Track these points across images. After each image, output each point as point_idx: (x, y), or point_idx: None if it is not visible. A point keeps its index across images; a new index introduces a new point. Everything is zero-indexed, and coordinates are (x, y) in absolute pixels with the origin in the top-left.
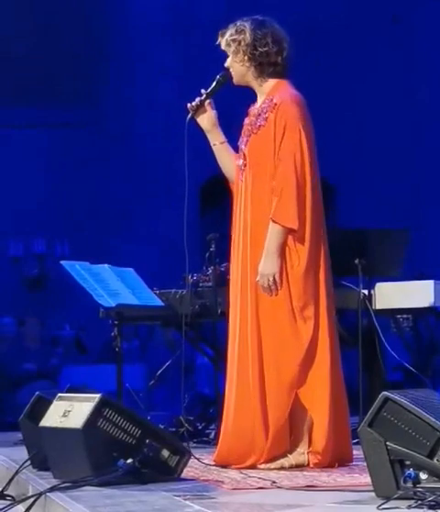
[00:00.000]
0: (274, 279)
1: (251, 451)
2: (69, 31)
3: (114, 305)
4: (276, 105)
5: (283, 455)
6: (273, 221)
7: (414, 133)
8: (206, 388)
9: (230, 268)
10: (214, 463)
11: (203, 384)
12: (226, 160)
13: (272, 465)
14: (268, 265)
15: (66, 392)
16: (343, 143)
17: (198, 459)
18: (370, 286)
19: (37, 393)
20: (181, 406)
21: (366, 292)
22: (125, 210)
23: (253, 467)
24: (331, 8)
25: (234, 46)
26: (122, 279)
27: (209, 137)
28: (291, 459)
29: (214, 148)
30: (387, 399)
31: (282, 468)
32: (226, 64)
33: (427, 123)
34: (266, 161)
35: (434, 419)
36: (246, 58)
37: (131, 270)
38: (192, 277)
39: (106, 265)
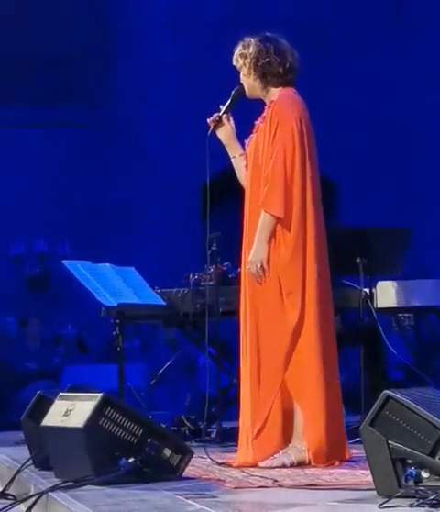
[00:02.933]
0: (261, 266)
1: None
2: (71, 30)
3: (115, 304)
4: (272, 102)
5: (276, 451)
6: (262, 209)
7: (417, 132)
8: (208, 387)
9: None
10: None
11: (206, 382)
12: (244, 171)
13: (274, 463)
14: (255, 252)
15: (67, 391)
16: (345, 142)
17: (212, 459)
18: (372, 285)
19: (38, 392)
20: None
21: (367, 290)
22: (126, 209)
23: (254, 465)
24: (332, 7)
25: (242, 60)
26: (123, 278)
27: (228, 150)
28: (292, 456)
29: (233, 160)
30: (389, 398)
31: (284, 466)
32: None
33: (430, 122)
34: (262, 157)
35: (435, 418)
36: (251, 70)
37: (132, 269)
38: (194, 276)
39: (108, 264)
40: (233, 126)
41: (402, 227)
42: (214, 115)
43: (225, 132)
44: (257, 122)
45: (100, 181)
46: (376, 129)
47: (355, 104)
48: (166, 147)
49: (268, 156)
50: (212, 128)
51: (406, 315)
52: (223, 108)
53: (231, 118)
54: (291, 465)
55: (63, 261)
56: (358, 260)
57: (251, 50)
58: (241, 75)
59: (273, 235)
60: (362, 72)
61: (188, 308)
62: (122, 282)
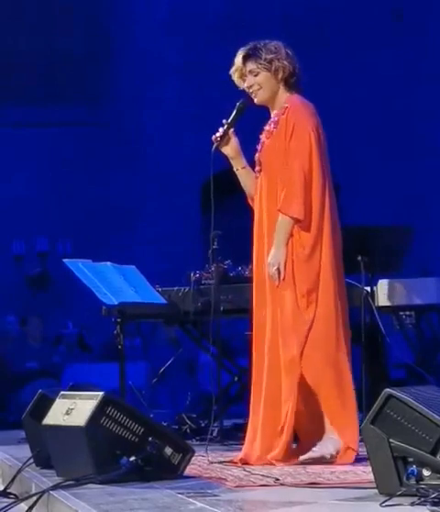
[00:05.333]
0: (278, 268)
1: (273, 443)
2: (72, 29)
3: (116, 302)
4: (286, 108)
5: (313, 444)
6: (279, 211)
7: (418, 131)
8: (209, 385)
9: (254, 274)
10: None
11: (206, 381)
12: (250, 182)
13: (314, 455)
14: (274, 254)
15: (69, 390)
16: (346, 141)
17: (228, 463)
18: (373, 283)
19: (39, 391)
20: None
21: (368, 289)
22: (127, 208)
23: (285, 461)
24: (332, 5)
25: (274, 64)
26: (124, 277)
27: (233, 163)
28: (330, 447)
29: (237, 172)
30: (390, 396)
31: (324, 458)
32: (248, 84)
33: (431, 120)
34: (278, 161)
35: (437, 416)
36: (281, 74)
37: (133, 267)
38: (195, 275)
39: (109, 263)
40: (237, 139)
41: (404, 224)
42: (220, 130)
43: (232, 147)
44: (267, 128)
45: (101, 180)
46: (377, 128)
47: (355, 103)
48: (166, 146)
49: (285, 159)
50: (216, 144)
51: (407, 313)
52: (227, 123)
53: (234, 132)
54: (332, 457)
55: (64, 260)
56: (359, 258)
57: (282, 54)
58: (261, 79)
59: (290, 236)
60: (362, 71)
61: (189, 307)
62: (123, 280)
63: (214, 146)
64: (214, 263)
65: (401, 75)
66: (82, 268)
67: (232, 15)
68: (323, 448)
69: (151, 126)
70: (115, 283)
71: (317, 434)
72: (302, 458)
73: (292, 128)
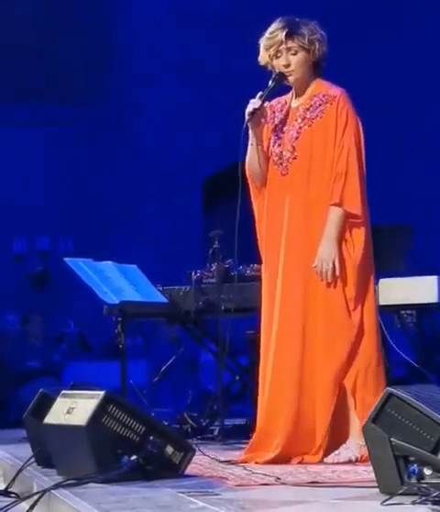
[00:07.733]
0: (333, 264)
1: (306, 445)
2: (73, 29)
3: (117, 301)
4: (335, 97)
5: (337, 447)
6: (337, 206)
7: (421, 129)
8: (210, 385)
9: (264, 264)
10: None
11: (207, 380)
12: (262, 158)
13: (340, 459)
14: (328, 250)
15: (70, 389)
16: None
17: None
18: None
19: (40, 390)
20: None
21: None
22: (128, 207)
23: (310, 462)
24: (333, 4)
25: (314, 45)
26: (125, 276)
27: (254, 137)
28: (355, 451)
29: (253, 147)
30: (391, 395)
31: (350, 461)
32: (285, 63)
33: (434, 119)
34: (324, 151)
35: (438, 415)
36: (318, 58)
37: (135, 266)
38: (196, 274)
39: (110, 262)
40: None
41: (405, 223)
42: (256, 102)
43: (263, 122)
44: (302, 113)
45: (101, 179)
46: (377, 128)
47: (355, 103)
48: (166, 145)
49: (336, 151)
50: (249, 117)
51: (408, 312)
52: (264, 94)
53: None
54: (357, 460)
55: (65, 259)
56: None
57: (318, 36)
58: (299, 58)
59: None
60: (362, 72)
61: (190, 306)
62: (124, 279)
63: (246, 120)
64: (216, 262)
65: (402, 75)
66: (83, 267)
67: (232, 15)
68: (348, 452)
69: (151, 125)
70: (116, 282)
71: (341, 437)
72: (327, 460)
73: (346, 121)
